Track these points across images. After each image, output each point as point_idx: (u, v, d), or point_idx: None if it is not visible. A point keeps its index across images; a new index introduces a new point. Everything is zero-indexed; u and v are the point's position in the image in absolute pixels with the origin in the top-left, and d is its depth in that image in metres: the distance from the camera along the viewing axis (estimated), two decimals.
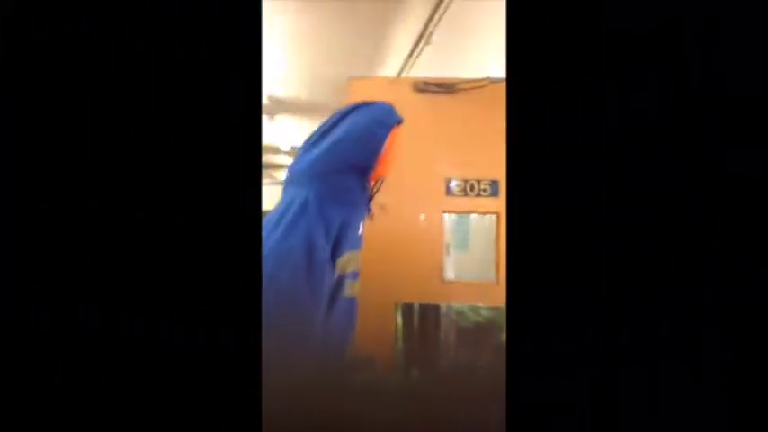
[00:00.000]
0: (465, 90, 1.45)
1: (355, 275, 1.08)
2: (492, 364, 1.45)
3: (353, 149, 1.06)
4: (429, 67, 3.20)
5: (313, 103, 5.05)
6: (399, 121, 1.15)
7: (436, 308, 1.47)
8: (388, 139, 1.11)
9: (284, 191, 1.08)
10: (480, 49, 3.09)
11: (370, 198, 1.15)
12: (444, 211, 1.41)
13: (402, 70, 3.43)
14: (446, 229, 1.50)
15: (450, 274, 1.53)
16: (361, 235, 1.11)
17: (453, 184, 1.27)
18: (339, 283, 1.02)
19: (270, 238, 0.96)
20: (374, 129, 1.10)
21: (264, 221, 1.01)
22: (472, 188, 1.46)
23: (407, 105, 1.35)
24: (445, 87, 1.46)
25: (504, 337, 1.45)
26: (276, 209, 1.04)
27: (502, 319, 1.43)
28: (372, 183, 1.14)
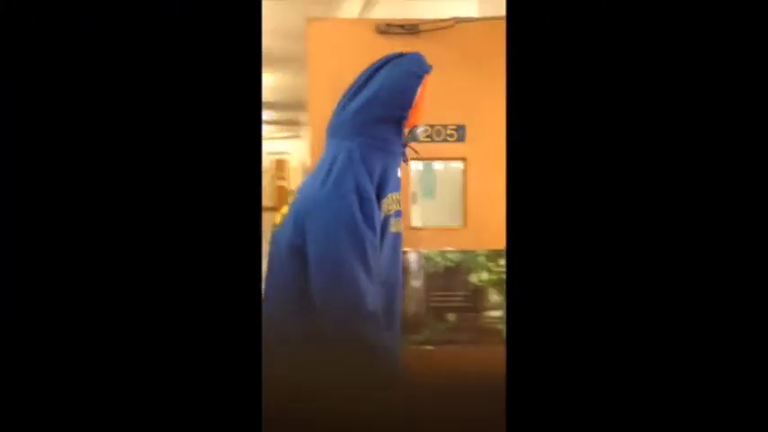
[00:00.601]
0: (430, 31, 1.40)
1: (398, 214, 1.21)
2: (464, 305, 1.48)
3: (390, 101, 1.15)
4: (391, 9, 3.10)
5: (271, 51, 4.85)
6: (429, 70, 1.21)
7: (404, 253, 1.48)
8: (420, 89, 1.19)
9: (327, 144, 1.18)
10: None
11: (405, 145, 1.24)
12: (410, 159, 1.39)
13: (362, 11, 3.31)
14: (412, 177, 1.49)
15: (416, 221, 1.53)
16: (399, 178, 1.23)
17: (419, 129, 1.27)
18: (386, 222, 1.16)
19: (323, 188, 1.08)
20: (408, 79, 1.17)
21: (313, 173, 1.16)
22: (438, 133, 1.44)
23: (370, 48, 1.31)
24: (409, 29, 1.41)
25: (473, 278, 1.48)
26: (322, 160, 1.15)
27: (471, 262, 1.46)
28: (407, 130, 1.23)
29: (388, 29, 1.42)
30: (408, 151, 1.28)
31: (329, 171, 1.10)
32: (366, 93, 1.16)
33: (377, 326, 1.07)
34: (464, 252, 1.47)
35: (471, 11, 2.44)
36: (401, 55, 1.22)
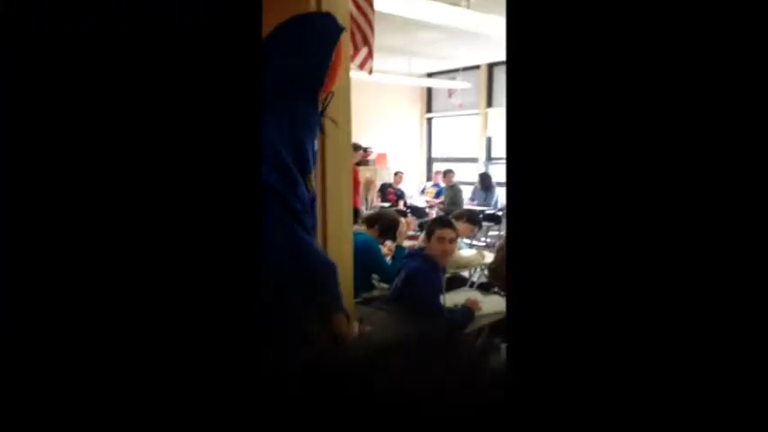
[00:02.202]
0: None
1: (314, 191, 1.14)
2: None
3: (307, 68, 1.01)
4: None
5: None
6: (342, 29, 1.08)
7: None
8: (335, 51, 1.05)
9: None
10: None
11: (322, 114, 1.11)
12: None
13: None
14: None
15: None
16: (316, 151, 1.11)
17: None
18: (313, 203, 1.09)
19: None
20: (322, 42, 1.03)
21: None
22: None
23: None
24: None
25: None
26: None
27: None
28: (323, 97, 1.09)
29: None
30: (327, 122, 1.16)
31: None
32: (277, 62, 1.01)
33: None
34: None
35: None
36: (310, 16, 1.09)
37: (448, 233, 2.48)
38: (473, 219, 4.00)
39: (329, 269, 1.07)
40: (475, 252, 3.55)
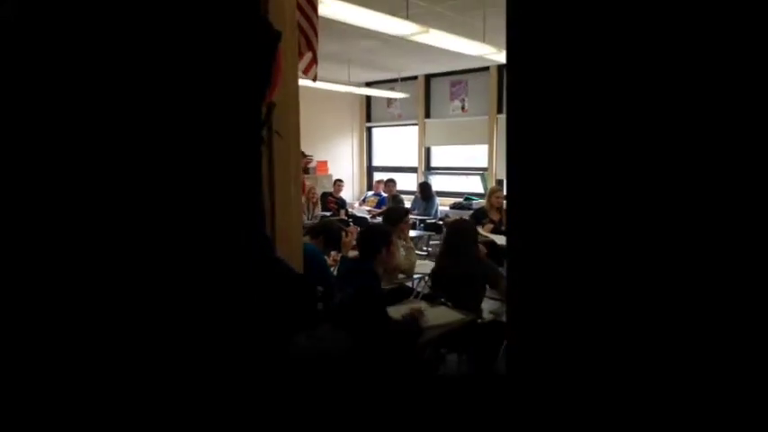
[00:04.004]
0: None
1: None
2: None
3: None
4: None
5: None
6: (281, 36, 1.05)
7: None
8: (277, 59, 1.02)
9: None
10: None
11: (263, 125, 1.07)
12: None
13: None
14: None
15: None
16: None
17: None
18: None
19: None
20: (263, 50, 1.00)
21: None
22: None
23: None
24: None
25: None
26: None
27: None
28: (264, 109, 1.06)
29: None
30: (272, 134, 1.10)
31: None
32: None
33: None
34: None
35: None
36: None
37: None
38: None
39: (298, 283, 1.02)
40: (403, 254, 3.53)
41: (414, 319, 2.46)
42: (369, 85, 8.95)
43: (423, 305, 2.76)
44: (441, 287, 3.05)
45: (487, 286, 3.10)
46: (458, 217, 6.38)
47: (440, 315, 2.66)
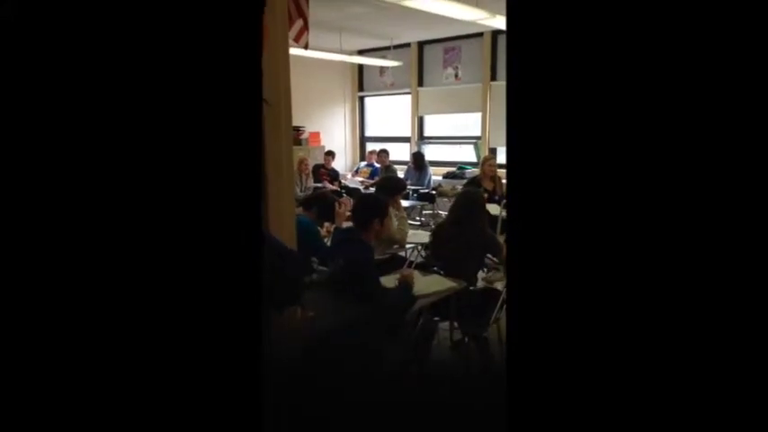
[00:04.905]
0: None
1: None
2: None
3: None
4: None
5: None
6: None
7: None
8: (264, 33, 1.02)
9: None
10: None
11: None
12: None
13: None
14: None
15: None
16: None
17: None
18: None
19: None
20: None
21: None
22: None
23: None
24: None
25: None
26: None
27: None
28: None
29: None
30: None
31: None
32: None
33: None
34: None
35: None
36: None
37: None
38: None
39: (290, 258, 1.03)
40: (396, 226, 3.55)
41: (407, 285, 2.49)
42: (361, 53, 8.79)
43: (415, 274, 2.79)
44: (440, 255, 3.07)
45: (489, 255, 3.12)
46: (450, 187, 6.38)
47: (432, 283, 2.69)
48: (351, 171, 8.45)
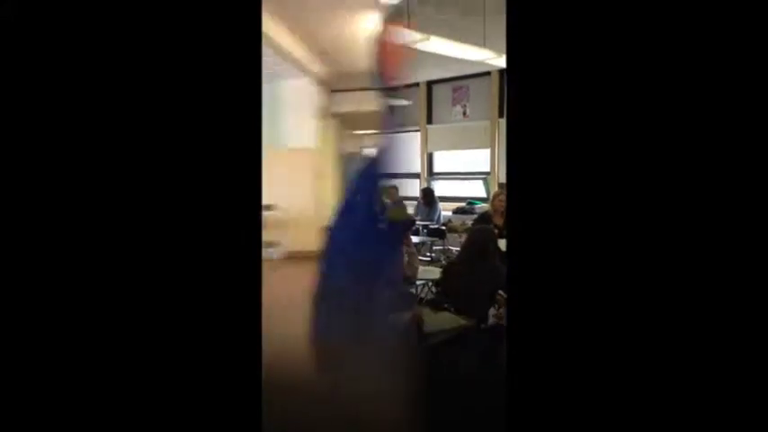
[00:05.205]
0: None
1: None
2: None
3: None
4: None
5: None
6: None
7: None
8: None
9: None
10: None
11: None
12: None
13: None
14: None
15: None
16: None
17: None
18: None
19: None
20: None
21: None
22: None
23: None
24: None
25: None
26: None
27: None
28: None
29: None
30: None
31: None
32: None
33: None
34: None
35: None
36: None
37: None
38: None
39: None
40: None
41: (417, 326, 2.46)
42: None
43: (426, 311, 2.76)
44: (451, 292, 3.04)
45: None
46: (460, 222, 6.37)
47: (443, 321, 2.66)
48: None
